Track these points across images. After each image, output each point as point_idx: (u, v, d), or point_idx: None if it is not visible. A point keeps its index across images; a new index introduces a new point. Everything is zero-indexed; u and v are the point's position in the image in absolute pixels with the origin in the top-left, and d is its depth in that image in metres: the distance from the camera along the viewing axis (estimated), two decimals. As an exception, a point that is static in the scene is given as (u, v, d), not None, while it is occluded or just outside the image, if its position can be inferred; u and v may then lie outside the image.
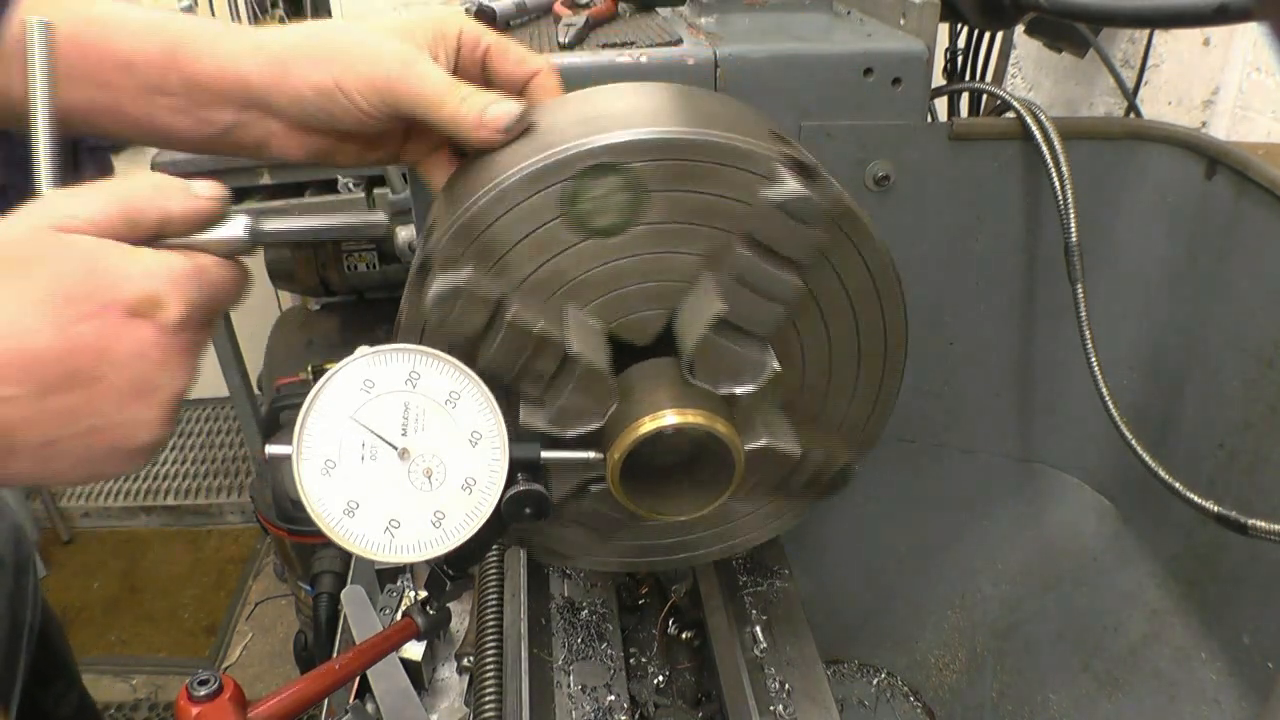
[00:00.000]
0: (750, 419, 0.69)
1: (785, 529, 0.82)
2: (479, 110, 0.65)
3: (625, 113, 0.67)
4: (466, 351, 0.63)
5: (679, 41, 0.90)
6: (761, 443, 0.69)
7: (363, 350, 0.60)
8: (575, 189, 0.62)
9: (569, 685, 0.89)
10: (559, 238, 0.64)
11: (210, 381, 3.65)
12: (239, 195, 2.92)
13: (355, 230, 0.64)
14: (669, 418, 0.63)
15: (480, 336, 0.64)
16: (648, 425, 0.63)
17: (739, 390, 0.67)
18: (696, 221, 0.64)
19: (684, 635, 0.99)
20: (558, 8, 1.06)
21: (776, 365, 0.67)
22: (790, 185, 0.61)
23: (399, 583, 1.08)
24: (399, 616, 0.77)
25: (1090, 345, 0.94)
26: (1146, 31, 1.55)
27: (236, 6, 3.02)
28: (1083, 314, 0.94)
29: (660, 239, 0.64)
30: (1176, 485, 0.88)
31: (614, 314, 0.67)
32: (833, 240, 0.65)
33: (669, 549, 0.81)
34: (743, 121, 0.68)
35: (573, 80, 0.74)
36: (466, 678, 0.98)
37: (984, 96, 1.36)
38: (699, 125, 0.63)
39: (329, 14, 2.57)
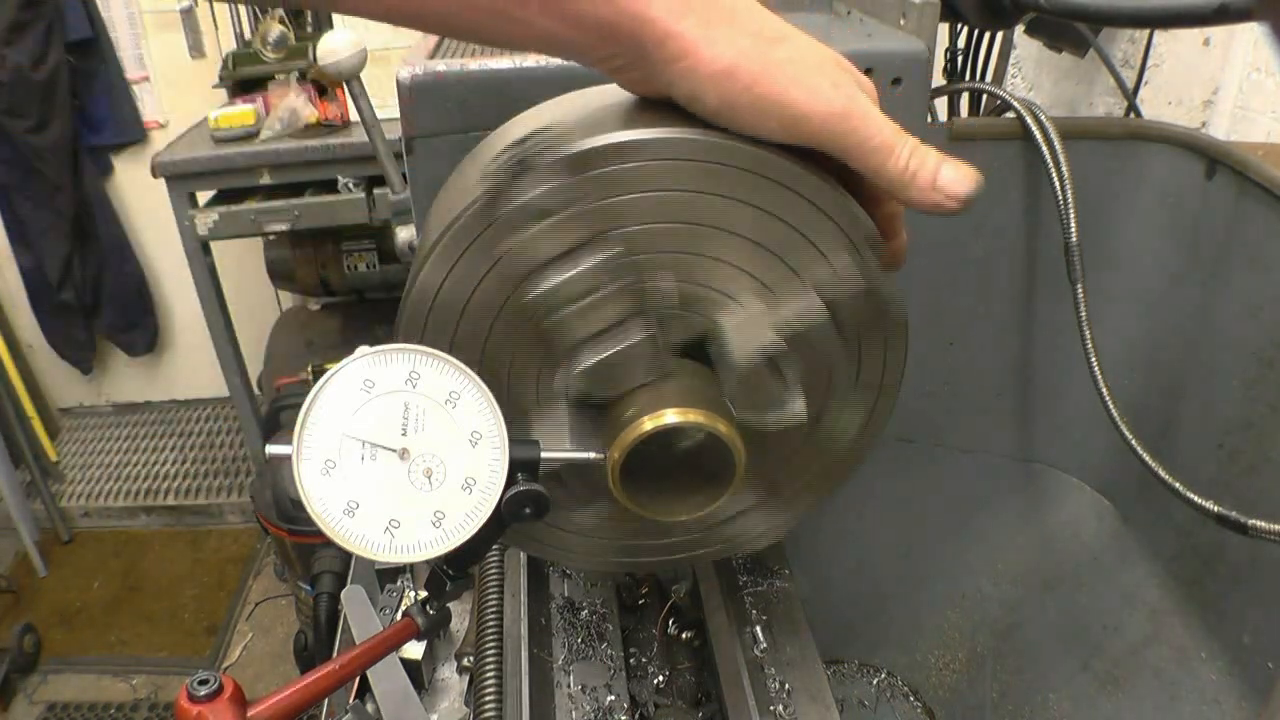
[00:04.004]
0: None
1: (787, 529, 0.82)
2: (932, 172, 0.59)
3: None
4: (511, 284, 0.62)
5: (679, 41, 0.90)
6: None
7: (363, 350, 0.60)
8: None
9: (569, 685, 0.89)
10: (663, 207, 0.62)
11: (210, 381, 3.67)
12: (238, 196, 2.90)
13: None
14: (669, 417, 0.63)
15: (551, 262, 0.61)
16: (648, 425, 0.63)
17: (771, 424, 0.68)
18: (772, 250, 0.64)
19: (684, 635, 0.99)
20: (558, 8, 1.05)
21: (802, 408, 0.67)
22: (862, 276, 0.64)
23: (399, 583, 1.08)
24: (399, 616, 0.77)
25: (1090, 345, 0.94)
26: (1146, 31, 1.55)
27: (237, 7, 3.00)
28: (1083, 314, 0.94)
29: (739, 249, 0.64)
30: (1176, 485, 0.88)
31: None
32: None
33: (669, 549, 0.81)
34: None
35: (573, 82, 0.73)
36: (466, 678, 0.97)
37: (984, 96, 1.36)
38: None
39: (329, 15, 2.56)
